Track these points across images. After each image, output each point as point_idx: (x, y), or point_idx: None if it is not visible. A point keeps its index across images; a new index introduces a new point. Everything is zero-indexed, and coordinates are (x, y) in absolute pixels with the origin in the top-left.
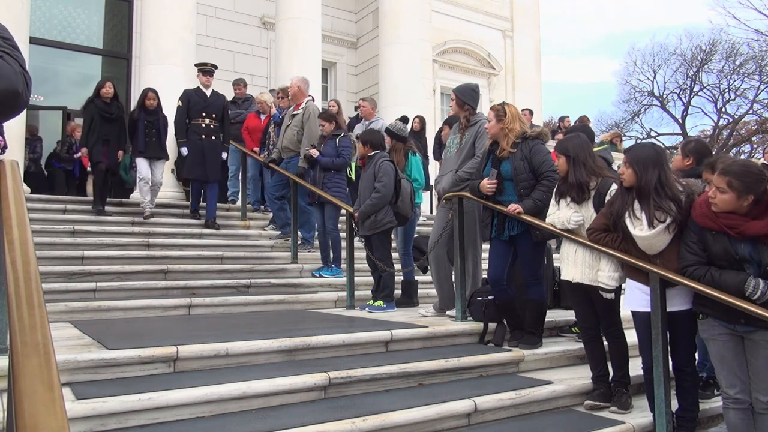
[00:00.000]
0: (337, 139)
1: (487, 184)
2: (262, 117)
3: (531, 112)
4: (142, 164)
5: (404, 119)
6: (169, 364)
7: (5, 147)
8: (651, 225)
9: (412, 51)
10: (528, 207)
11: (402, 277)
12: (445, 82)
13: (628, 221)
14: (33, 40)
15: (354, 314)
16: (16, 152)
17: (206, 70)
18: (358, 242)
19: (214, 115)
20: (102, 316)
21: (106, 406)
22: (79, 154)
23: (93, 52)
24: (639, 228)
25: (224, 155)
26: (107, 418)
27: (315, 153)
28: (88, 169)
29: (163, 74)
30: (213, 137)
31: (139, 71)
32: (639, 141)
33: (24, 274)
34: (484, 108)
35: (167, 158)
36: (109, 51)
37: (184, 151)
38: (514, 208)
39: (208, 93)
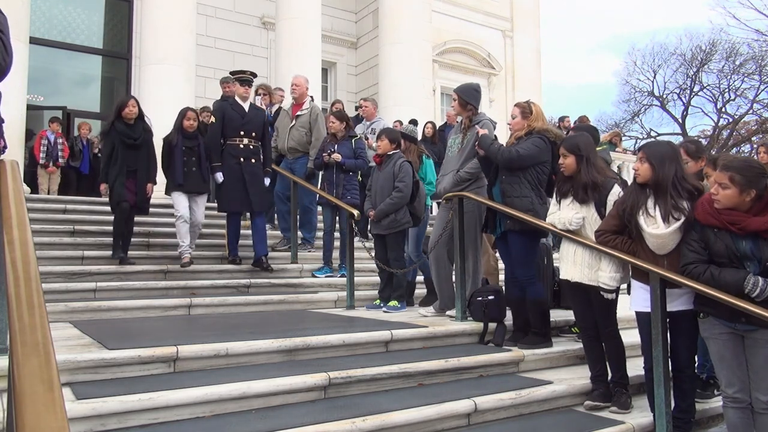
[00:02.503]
0: (353, 141)
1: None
2: None
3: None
4: (179, 200)
5: (414, 122)
6: (169, 364)
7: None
8: (666, 221)
9: (412, 51)
10: (484, 137)
11: (404, 279)
12: (445, 82)
13: (641, 219)
14: (33, 40)
15: (354, 314)
16: (16, 152)
17: (244, 79)
18: (357, 242)
19: (254, 134)
20: (102, 316)
21: (106, 406)
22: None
23: (93, 52)
24: (653, 226)
25: (267, 181)
26: (107, 418)
27: (338, 157)
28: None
29: (163, 74)
30: (253, 160)
31: (139, 71)
32: (639, 141)
33: (24, 274)
34: (484, 108)
35: (209, 192)
36: (109, 51)
37: (219, 177)
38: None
39: (246, 107)
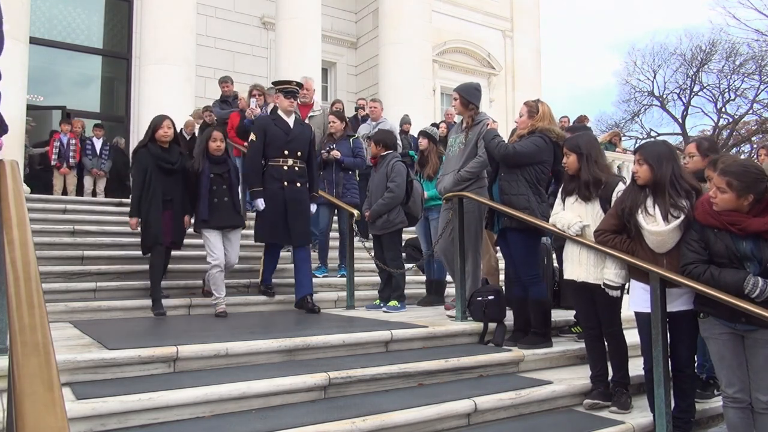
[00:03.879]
0: (351, 140)
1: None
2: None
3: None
4: (212, 240)
5: (435, 125)
6: (169, 364)
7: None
8: (665, 219)
9: (412, 51)
10: (487, 130)
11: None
12: (445, 82)
13: (640, 218)
14: (33, 40)
15: (354, 314)
16: (16, 152)
17: (289, 90)
18: (357, 242)
19: (299, 153)
20: (102, 316)
21: (106, 406)
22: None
23: (93, 52)
24: (653, 224)
25: (313, 208)
26: (107, 418)
27: (337, 154)
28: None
29: (163, 74)
30: (298, 184)
31: (139, 71)
32: (639, 141)
33: (24, 274)
34: (484, 108)
35: (244, 226)
36: (109, 51)
37: (261, 204)
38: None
39: (291, 122)
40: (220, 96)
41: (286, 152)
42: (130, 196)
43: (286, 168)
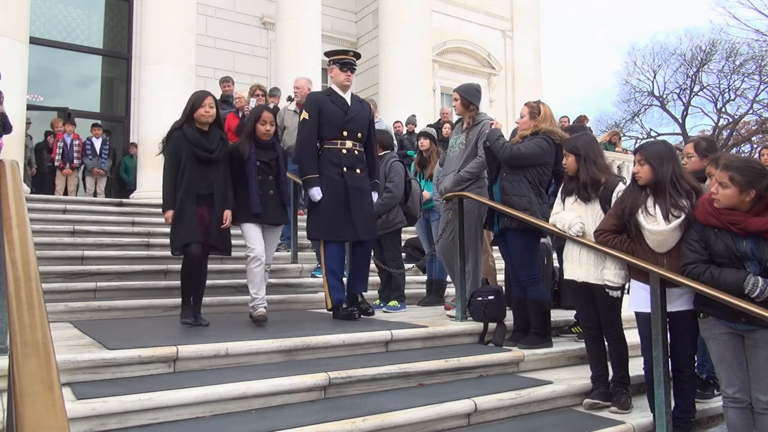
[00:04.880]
0: None
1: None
2: (240, 115)
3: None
4: (254, 235)
5: (432, 126)
6: (169, 364)
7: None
8: (666, 219)
9: (412, 51)
10: (492, 130)
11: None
12: (445, 82)
13: (641, 218)
14: (33, 40)
15: None
16: (16, 152)
17: (346, 62)
18: None
19: (359, 135)
20: (102, 316)
21: (106, 406)
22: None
23: (93, 52)
24: (653, 224)
25: (374, 197)
26: (107, 418)
27: None
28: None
29: (163, 74)
30: (358, 170)
31: (139, 71)
32: (639, 141)
33: (24, 274)
34: (484, 108)
35: (288, 223)
36: (109, 51)
37: (317, 193)
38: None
39: (349, 99)
40: (221, 96)
41: (344, 133)
42: (162, 184)
43: (344, 151)
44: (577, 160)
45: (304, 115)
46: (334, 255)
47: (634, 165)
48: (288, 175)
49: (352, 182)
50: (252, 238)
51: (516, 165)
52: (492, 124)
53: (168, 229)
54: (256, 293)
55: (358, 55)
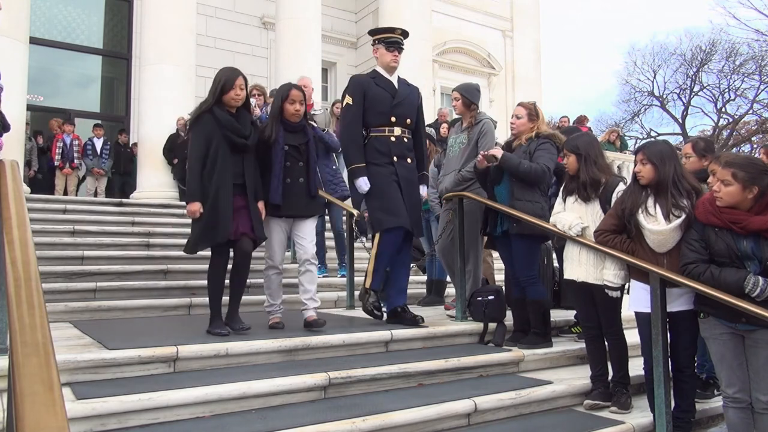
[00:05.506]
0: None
1: (481, 155)
2: None
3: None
4: (271, 236)
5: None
6: (169, 364)
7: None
8: (667, 219)
9: (412, 51)
10: (507, 157)
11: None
12: (445, 82)
13: (641, 218)
14: (33, 40)
15: (354, 314)
16: (15, 152)
17: (392, 40)
18: (357, 243)
19: (408, 121)
20: (102, 316)
21: (106, 406)
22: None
23: (93, 52)
24: (654, 223)
25: (423, 191)
26: (107, 418)
27: (498, 152)
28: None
29: (163, 74)
30: (408, 159)
31: (139, 71)
32: (639, 141)
33: (24, 274)
34: (484, 108)
35: (323, 213)
36: (109, 51)
37: (364, 184)
38: (494, 150)
39: (395, 81)
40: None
41: (393, 119)
42: (187, 173)
43: (393, 139)
44: (578, 160)
45: (347, 100)
46: (389, 244)
47: (636, 165)
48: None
49: (403, 173)
50: (271, 242)
51: (544, 180)
52: (495, 155)
53: (165, 229)
54: (272, 300)
55: (406, 33)
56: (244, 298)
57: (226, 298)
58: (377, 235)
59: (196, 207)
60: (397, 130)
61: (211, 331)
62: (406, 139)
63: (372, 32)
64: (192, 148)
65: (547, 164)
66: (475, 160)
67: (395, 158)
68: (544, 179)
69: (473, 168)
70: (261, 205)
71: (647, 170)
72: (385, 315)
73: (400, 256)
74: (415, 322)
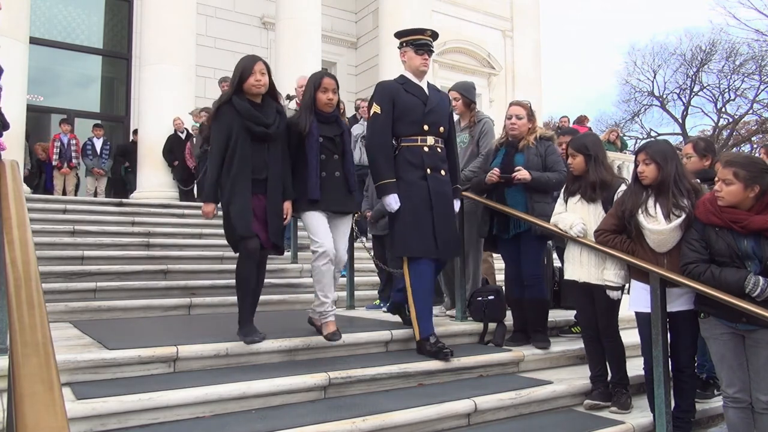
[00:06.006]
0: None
1: (496, 172)
2: None
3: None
4: (318, 226)
5: None
6: (169, 364)
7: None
8: (668, 218)
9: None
10: (536, 176)
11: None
12: (445, 82)
13: (641, 218)
14: (33, 40)
15: (354, 314)
16: (16, 153)
17: (422, 42)
18: (357, 242)
19: (441, 129)
20: (102, 316)
21: (106, 406)
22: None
23: (93, 52)
24: (654, 223)
25: (457, 205)
26: (107, 418)
27: (526, 176)
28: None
29: (163, 74)
30: (442, 172)
31: (139, 71)
32: (639, 141)
33: (24, 274)
34: (483, 108)
35: (359, 210)
36: (109, 51)
37: (394, 202)
38: (521, 174)
39: (425, 86)
40: (220, 97)
41: (425, 127)
42: (206, 170)
43: (426, 149)
44: (586, 161)
45: (375, 108)
46: (424, 275)
47: (638, 165)
48: None
49: (436, 187)
50: (317, 229)
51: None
52: (518, 178)
53: (165, 229)
54: (325, 296)
55: (435, 35)
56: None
57: (264, 297)
58: (405, 264)
59: (210, 208)
60: (430, 140)
61: (243, 339)
62: (439, 149)
63: (399, 34)
64: (212, 143)
65: (563, 169)
66: (487, 174)
67: (428, 170)
68: (564, 184)
69: (483, 182)
70: (288, 205)
71: (650, 170)
72: (451, 353)
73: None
74: (444, 355)
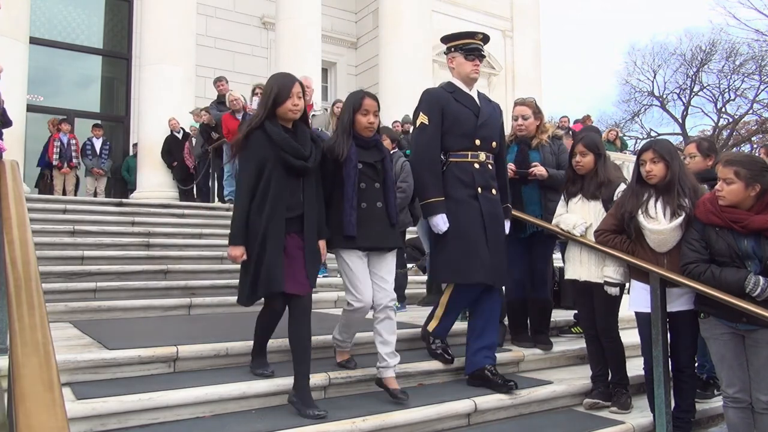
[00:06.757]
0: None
1: (512, 167)
2: (239, 116)
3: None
4: (354, 270)
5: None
6: (169, 364)
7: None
8: (671, 217)
9: (412, 51)
10: (552, 173)
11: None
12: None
13: (641, 218)
14: (33, 40)
15: None
16: (16, 153)
17: (472, 47)
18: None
19: (494, 144)
20: (102, 316)
21: (106, 406)
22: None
23: (93, 52)
24: (654, 223)
25: (507, 226)
26: (107, 418)
27: (542, 172)
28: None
29: (163, 74)
30: (493, 191)
31: (139, 71)
32: (639, 141)
33: (24, 274)
34: None
35: (403, 247)
36: (109, 51)
37: (442, 223)
38: (538, 169)
39: (475, 96)
40: (217, 96)
41: (477, 142)
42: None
43: (477, 165)
44: (596, 159)
45: (422, 118)
46: (464, 300)
47: (644, 164)
48: None
49: (488, 208)
50: (355, 278)
51: None
52: (539, 174)
53: (165, 229)
54: (344, 341)
55: (487, 38)
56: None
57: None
58: (449, 289)
59: (238, 252)
60: (482, 156)
61: (253, 371)
62: (490, 166)
63: (447, 38)
64: (240, 175)
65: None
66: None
67: (479, 189)
68: None
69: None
70: (322, 244)
71: (659, 168)
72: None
73: (489, 306)
74: (508, 388)
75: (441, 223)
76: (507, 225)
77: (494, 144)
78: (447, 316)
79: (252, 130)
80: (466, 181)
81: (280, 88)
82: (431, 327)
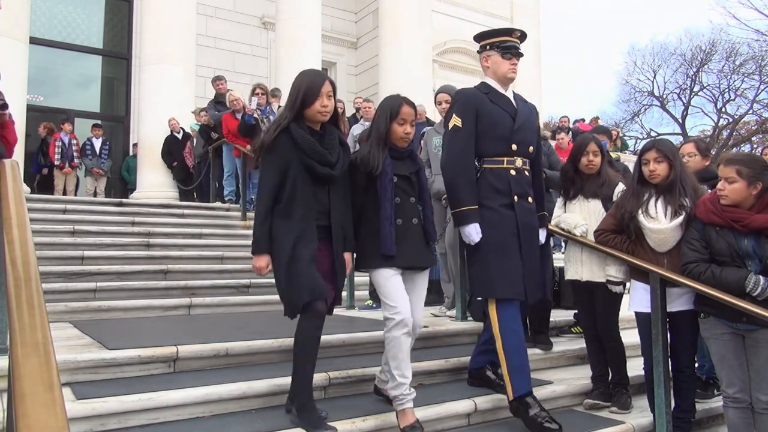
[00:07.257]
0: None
1: None
2: (239, 116)
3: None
4: (390, 285)
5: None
6: (169, 364)
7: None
8: (673, 216)
9: (412, 51)
10: (549, 174)
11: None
12: (445, 82)
13: (641, 218)
14: (33, 40)
15: (354, 314)
16: (16, 153)
17: (509, 45)
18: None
19: (531, 149)
20: (102, 316)
21: (106, 406)
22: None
23: (93, 52)
24: (654, 222)
25: (542, 235)
26: (107, 418)
27: None
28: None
29: (163, 74)
30: (530, 199)
31: (139, 71)
32: (639, 141)
33: (24, 274)
34: None
35: (435, 263)
36: (109, 51)
37: (475, 234)
38: None
39: (511, 95)
40: (215, 96)
41: (513, 147)
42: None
43: (513, 172)
44: (603, 160)
45: (455, 121)
46: (511, 322)
47: (647, 163)
48: None
49: (524, 217)
50: (394, 292)
51: None
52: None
53: (165, 229)
54: (402, 375)
55: (524, 36)
56: (246, 298)
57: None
58: (492, 308)
59: (263, 263)
60: (519, 161)
61: (303, 424)
62: (526, 173)
63: (481, 36)
64: (262, 179)
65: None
66: None
67: (516, 197)
68: None
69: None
70: (348, 256)
71: (663, 168)
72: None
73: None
74: (544, 426)
75: (474, 233)
76: (542, 234)
77: (531, 149)
78: (513, 369)
79: (279, 133)
80: (501, 188)
81: (308, 87)
82: (510, 393)
